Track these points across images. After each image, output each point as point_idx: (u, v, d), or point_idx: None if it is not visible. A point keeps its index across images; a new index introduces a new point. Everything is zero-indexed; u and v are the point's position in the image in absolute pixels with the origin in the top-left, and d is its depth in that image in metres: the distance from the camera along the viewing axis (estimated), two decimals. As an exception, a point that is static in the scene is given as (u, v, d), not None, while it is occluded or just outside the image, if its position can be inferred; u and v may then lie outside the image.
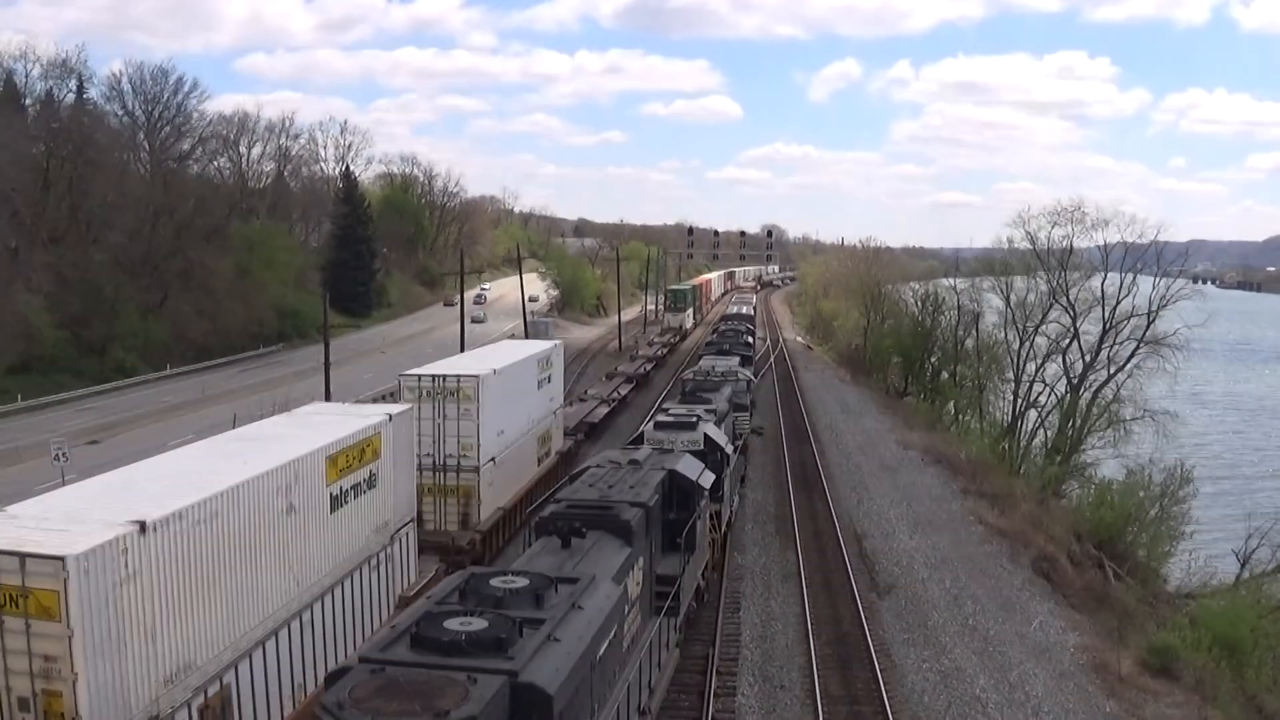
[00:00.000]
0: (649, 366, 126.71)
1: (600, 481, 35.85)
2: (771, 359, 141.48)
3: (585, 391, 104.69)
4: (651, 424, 51.88)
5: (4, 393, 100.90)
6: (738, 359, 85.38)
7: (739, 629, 45.56)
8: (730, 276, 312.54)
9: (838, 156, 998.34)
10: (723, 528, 50.87)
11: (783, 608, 48.30)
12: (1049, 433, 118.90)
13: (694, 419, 50.59)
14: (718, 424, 53.51)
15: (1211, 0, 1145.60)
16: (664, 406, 66.43)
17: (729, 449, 52.27)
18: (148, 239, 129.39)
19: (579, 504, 32.78)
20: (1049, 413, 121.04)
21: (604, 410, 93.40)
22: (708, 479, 41.36)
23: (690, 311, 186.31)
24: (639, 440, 49.51)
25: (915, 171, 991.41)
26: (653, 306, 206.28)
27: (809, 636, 44.55)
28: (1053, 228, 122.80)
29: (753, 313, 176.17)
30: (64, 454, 57.86)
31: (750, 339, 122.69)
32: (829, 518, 64.29)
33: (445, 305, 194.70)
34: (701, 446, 47.19)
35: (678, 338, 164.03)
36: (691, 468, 40.51)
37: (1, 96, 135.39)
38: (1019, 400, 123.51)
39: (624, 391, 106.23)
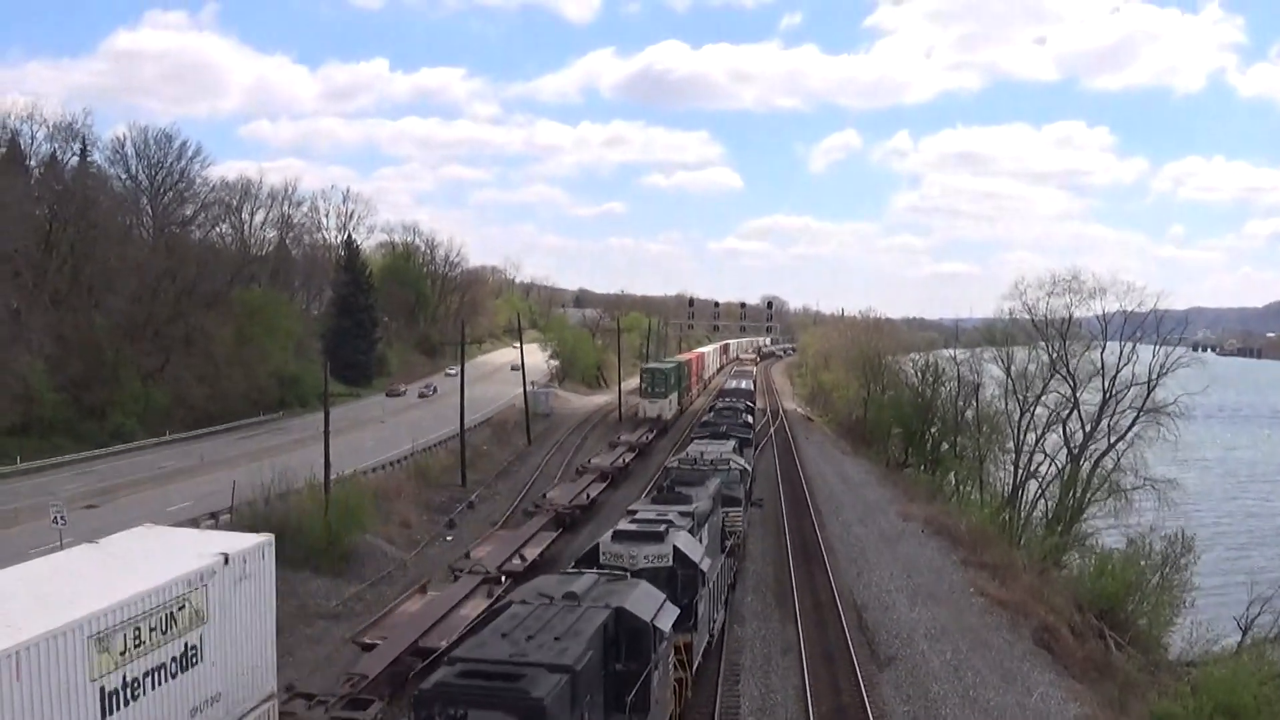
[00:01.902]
0: (599, 486, 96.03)
1: (519, 629, 28.35)
2: (772, 430, 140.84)
3: (543, 495, 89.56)
4: (609, 534, 42.06)
5: (3, 454, 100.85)
6: (733, 443, 77.99)
7: (738, 701, 45.34)
8: (725, 349, 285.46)
9: (837, 227, 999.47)
10: (693, 664, 42.01)
11: (782, 680, 48.06)
12: (1049, 503, 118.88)
13: (663, 527, 42.54)
14: (698, 527, 46.99)
15: (1208, 68, 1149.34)
16: (631, 508, 50.39)
17: (706, 563, 43.93)
18: (149, 304, 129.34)
19: (477, 669, 25.25)
20: (1049, 483, 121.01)
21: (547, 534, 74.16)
22: (668, 616, 33.70)
23: (674, 397, 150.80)
24: (592, 557, 40.55)
25: (915, 242, 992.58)
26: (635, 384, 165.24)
27: (809, 710, 44.35)
28: (1049, 298, 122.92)
29: (752, 388, 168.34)
30: (62, 517, 57.61)
31: (750, 417, 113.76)
32: (829, 589, 63.91)
33: (387, 395, 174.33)
34: (670, 562, 40.16)
35: (654, 433, 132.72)
36: (646, 603, 32.82)
37: (6, 157, 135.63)
38: (1019, 470, 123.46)
39: (593, 493, 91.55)
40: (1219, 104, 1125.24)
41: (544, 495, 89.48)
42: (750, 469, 78.99)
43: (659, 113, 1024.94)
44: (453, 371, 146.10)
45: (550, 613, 29.61)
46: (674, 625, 34.84)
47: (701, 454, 67.61)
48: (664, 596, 35.15)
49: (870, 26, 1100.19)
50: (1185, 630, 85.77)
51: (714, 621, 48.51)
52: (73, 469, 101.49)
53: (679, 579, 40.53)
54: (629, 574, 37.29)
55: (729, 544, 58.27)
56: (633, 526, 43.14)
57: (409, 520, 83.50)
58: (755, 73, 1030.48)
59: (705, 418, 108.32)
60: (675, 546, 40.89)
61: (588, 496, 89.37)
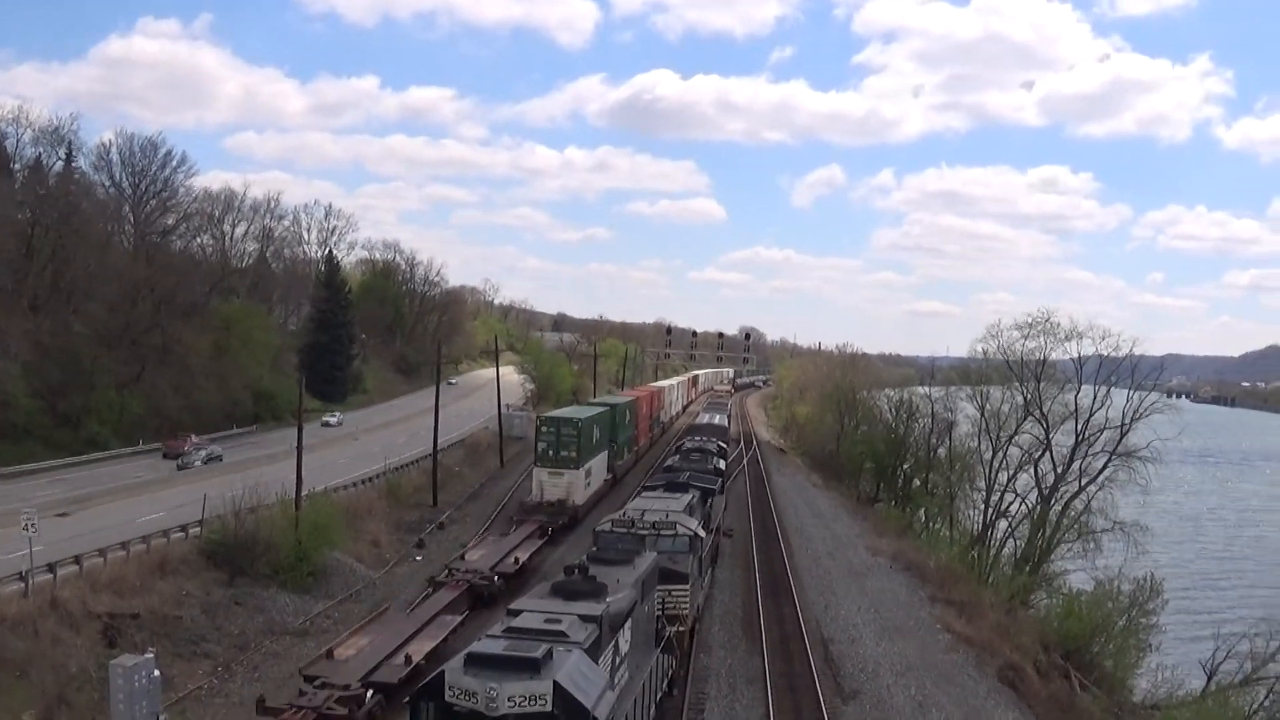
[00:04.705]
0: (534, 544, 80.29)
1: None
2: (745, 461, 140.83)
3: (459, 556, 73.20)
4: (461, 659, 28.52)
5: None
6: (691, 497, 63.69)
7: (702, 730, 45.29)
8: (694, 381, 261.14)
9: (819, 262, 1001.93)
10: None
11: (747, 711, 48.20)
12: (1019, 542, 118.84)
13: (543, 647, 28.82)
14: (609, 633, 33.67)
15: (1194, 118, 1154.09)
16: (513, 606, 35.25)
17: (607, 704, 29.71)
18: (127, 312, 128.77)
19: None
20: (1019, 522, 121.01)
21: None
22: None
23: (593, 464, 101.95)
24: (435, 688, 27.92)
25: (895, 279, 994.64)
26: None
27: (772, 740, 44.36)
28: (1025, 340, 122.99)
29: (726, 424, 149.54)
30: (33, 524, 57.47)
31: (721, 462, 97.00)
32: (796, 621, 63.94)
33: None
34: (548, 706, 27.21)
35: (560, 523, 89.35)
36: None
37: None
38: (990, 509, 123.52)
39: (524, 555, 74.52)
40: (1203, 155, 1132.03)
41: (461, 556, 73.03)
42: (705, 536, 60.41)
43: (646, 141, 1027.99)
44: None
45: None
46: None
47: (642, 514, 54.58)
48: None
49: (860, 64, 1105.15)
50: (1150, 673, 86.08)
51: None
52: (46, 476, 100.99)
53: None
54: None
55: (667, 635, 44.86)
56: (497, 646, 29.39)
57: (379, 539, 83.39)
58: (743, 105, 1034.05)
59: (670, 460, 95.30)
60: (557, 683, 27.42)
61: (516, 561, 71.60)
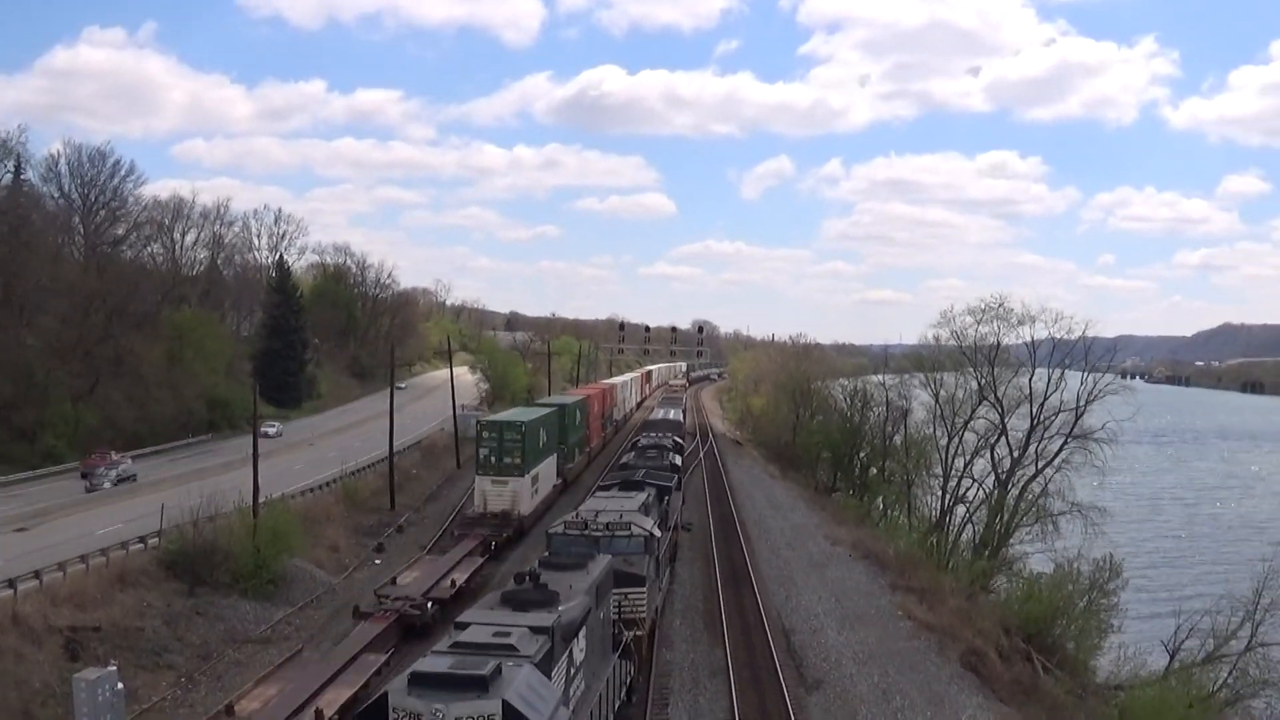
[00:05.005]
0: (474, 562, 72.14)
1: None
2: (701, 454, 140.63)
3: (391, 581, 65.75)
4: (405, 677, 26.61)
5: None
6: (647, 495, 61.39)
7: (668, 724, 45.26)
8: (648, 377, 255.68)
9: (769, 253, 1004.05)
10: None
11: (711, 704, 48.11)
12: (977, 527, 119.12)
13: (492, 663, 26.91)
14: (561, 644, 31.61)
15: (1140, 100, 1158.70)
16: (461, 619, 33.09)
17: (562, 716, 29.07)
18: (80, 324, 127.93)
19: None
20: (977, 508, 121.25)
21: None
22: None
23: (541, 469, 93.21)
24: (379, 710, 25.89)
25: (846, 269, 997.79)
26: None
27: (737, 733, 44.39)
28: (978, 325, 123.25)
29: (682, 419, 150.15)
30: (-11, 541, 57.14)
31: (677, 458, 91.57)
32: (757, 613, 64.02)
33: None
34: None
35: (504, 536, 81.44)
36: None
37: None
38: (947, 495, 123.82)
39: (462, 577, 66.28)
40: (1151, 136, 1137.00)
41: (392, 580, 65.80)
42: (661, 535, 58.77)
43: (594, 137, 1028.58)
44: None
45: None
46: None
47: (595, 515, 52.62)
48: None
49: (805, 55, 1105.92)
50: (1113, 653, 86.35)
51: None
52: (2, 491, 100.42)
53: None
54: None
55: (625, 640, 43.37)
56: (443, 663, 27.59)
57: (337, 544, 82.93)
58: (691, 98, 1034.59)
59: (625, 457, 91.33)
60: (506, 702, 25.62)
61: (453, 584, 63.91)
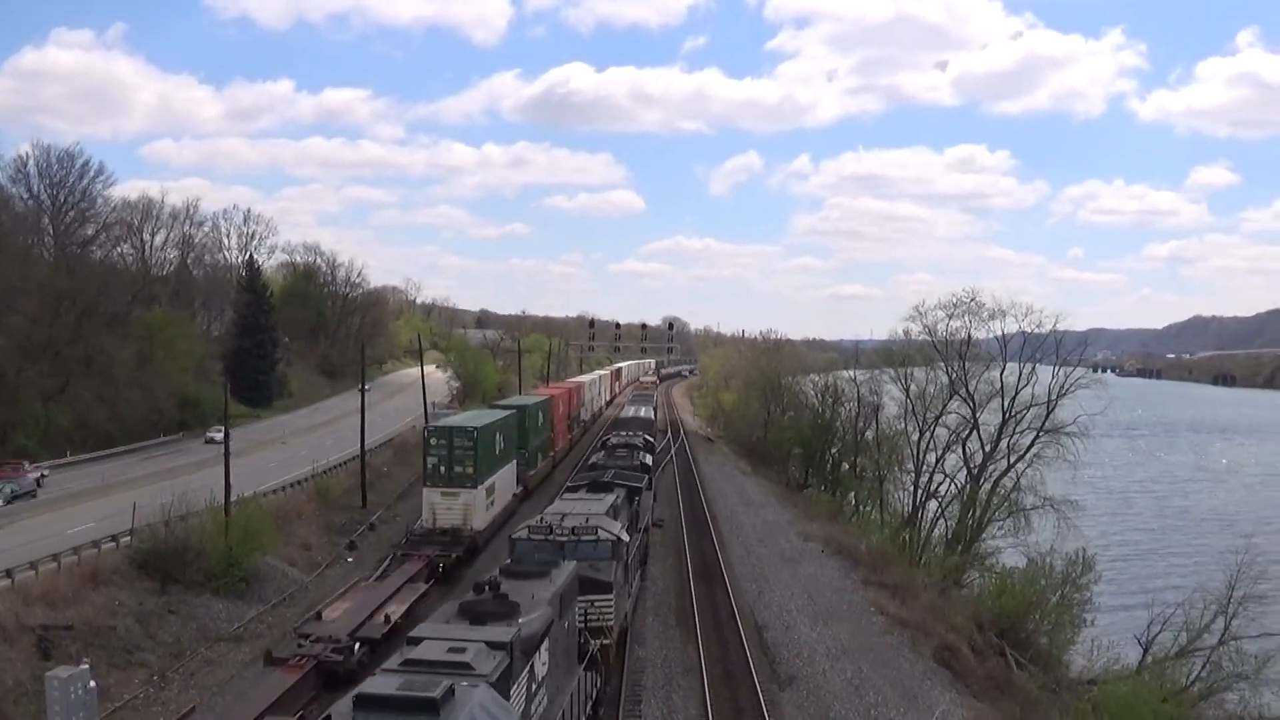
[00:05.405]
0: (414, 591, 64.06)
1: None
2: (672, 450, 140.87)
3: (315, 614, 57.34)
4: (350, 699, 24.17)
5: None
6: (616, 496, 59.01)
7: (641, 721, 45.19)
8: (617, 375, 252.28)
9: (738, 249, 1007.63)
10: None
11: (684, 700, 48.18)
12: (949, 522, 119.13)
13: (442, 684, 24.25)
14: (521, 658, 29.69)
15: (1108, 93, 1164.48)
16: (413, 634, 30.32)
17: None
18: (49, 324, 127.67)
19: None
20: (949, 503, 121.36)
21: None
22: None
23: (496, 480, 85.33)
24: None
25: (815, 264, 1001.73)
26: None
27: (711, 729, 44.36)
28: (949, 319, 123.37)
29: (653, 416, 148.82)
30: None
31: (648, 456, 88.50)
32: (729, 609, 64.07)
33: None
34: None
35: (454, 557, 73.05)
36: None
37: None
38: (919, 491, 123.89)
39: (396, 613, 57.57)
40: (1119, 128, 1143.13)
41: (316, 615, 57.08)
42: (630, 539, 56.25)
43: (563, 135, 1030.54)
44: (368, 388, 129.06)
45: None
46: None
47: (561, 519, 49.94)
48: None
49: (773, 50, 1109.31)
50: (1086, 648, 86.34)
51: None
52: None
53: None
54: None
55: (591, 650, 41.52)
56: (391, 683, 25.19)
57: (310, 542, 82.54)
58: (659, 95, 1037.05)
59: (594, 457, 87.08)
60: None
61: (387, 619, 55.82)
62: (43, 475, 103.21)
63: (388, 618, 55.67)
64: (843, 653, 57.15)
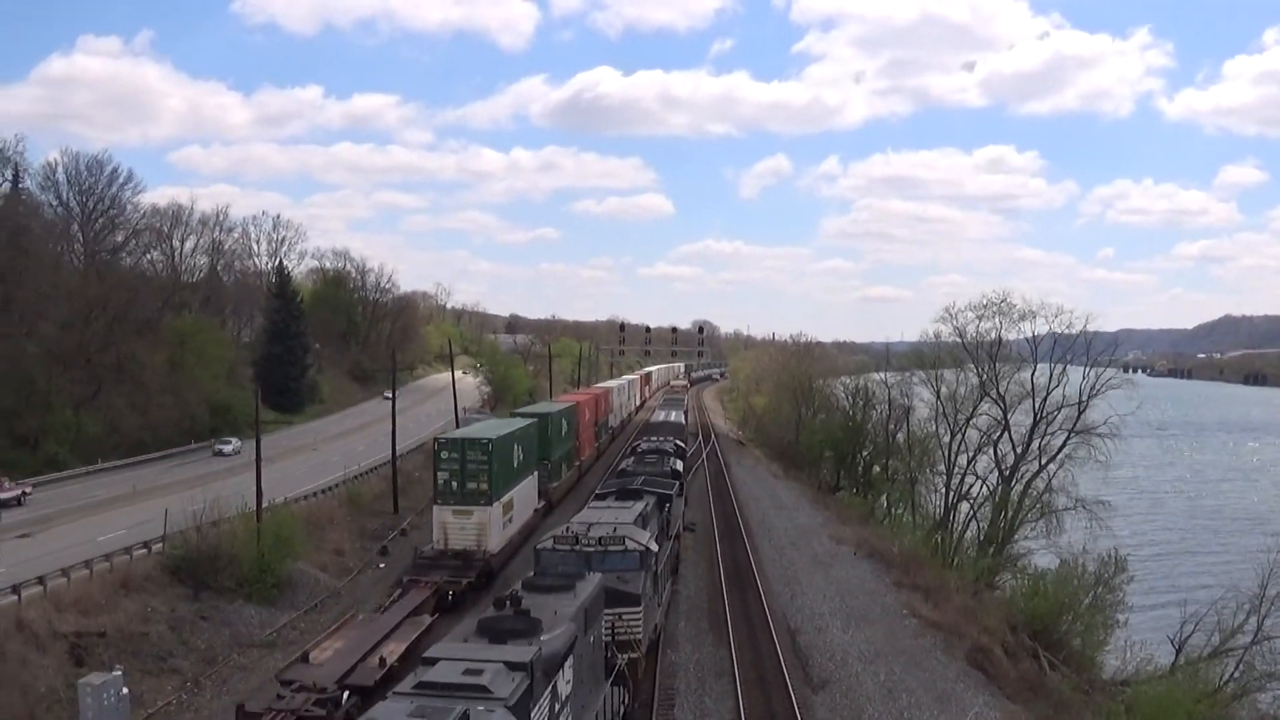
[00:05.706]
0: (416, 626, 57.41)
1: None
2: (704, 454, 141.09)
3: (303, 656, 50.17)
4: None
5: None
6: (646, 504, 57.54)
7: (674, 724, 45.09)
8: (647, 379, 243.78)
9: (768, 252, 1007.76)
10: None
11: (717, 704, 48.03)
12: (981, 524, 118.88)
13: (451, 717, 23.56)
14: (543, 679, 28.60)
15: (1136, 92, 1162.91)
16: (428, 654, 29.24)
17: None
18: (81, 331, 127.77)
19: None
20: (981, 504, 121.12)
21: None
22: None
23: (515, 496, 79.27)
24: None
25: (845, 266, 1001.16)
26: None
27: (744, 733, 44.25)
28: (979, 320, 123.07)
29: (684, 420, 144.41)
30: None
31: (679, 463, 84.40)
32: (762, 613, 64.02)
33: None
34: None
35: (465, 583, 66.88)
36: None
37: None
38: (951, 493, 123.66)
39: (393, 655, 50.56)
40: (1148, 128, 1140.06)
41: (303, 657, 50.16)
42: (660, 548, 54.46)
43: (591, 139, 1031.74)
44: (387, 396, 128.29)
45: None
46: None
47: (588, 528, 48.17)
48: None
49: (800, 52, 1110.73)
50: (1119, 649, 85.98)
51: None
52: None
53: None
54: None
55: (618, 665, 40.31)
56: (403, 708, 24.35)
57: (342, 548, 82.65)
58: (686, 99, 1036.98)
59: (624, 464, 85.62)
60: None
61: (382, 662, 49.34)
62: (24, 493, 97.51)
63: (383, 660, 49.64)
64: (875, 655, 57.00)
